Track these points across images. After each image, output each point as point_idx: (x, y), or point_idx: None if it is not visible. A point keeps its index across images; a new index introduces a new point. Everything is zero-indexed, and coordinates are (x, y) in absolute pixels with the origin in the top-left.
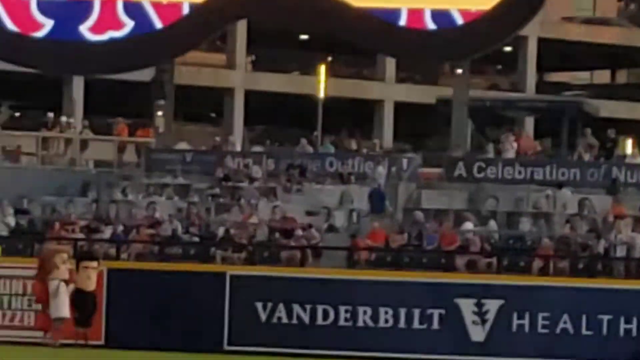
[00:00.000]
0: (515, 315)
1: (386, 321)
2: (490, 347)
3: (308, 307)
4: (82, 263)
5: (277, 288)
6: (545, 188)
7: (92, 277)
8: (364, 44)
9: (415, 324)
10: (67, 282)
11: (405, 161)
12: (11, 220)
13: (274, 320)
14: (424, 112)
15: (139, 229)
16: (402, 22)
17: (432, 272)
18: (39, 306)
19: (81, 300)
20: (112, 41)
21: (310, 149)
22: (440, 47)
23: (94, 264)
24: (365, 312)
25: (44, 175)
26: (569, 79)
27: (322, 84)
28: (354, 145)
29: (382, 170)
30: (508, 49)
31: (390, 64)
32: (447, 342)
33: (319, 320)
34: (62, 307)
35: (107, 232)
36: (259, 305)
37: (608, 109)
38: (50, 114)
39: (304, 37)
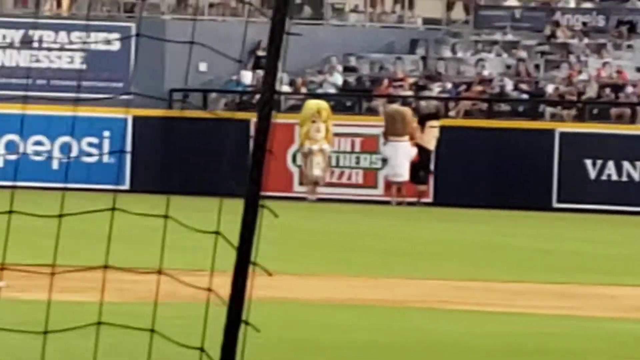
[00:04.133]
0: None
1: None
2: None
3: (638, 164)
4: (428, 122)
5: (607, 145)
6: None
7: (436, 137)
8: None
9: None
10: (410, 142)
11: None
12: (339, 78)
13: (604, 177)
14: None
15: (469, 86)
16: None
17: None
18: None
19: (423, 159)
20: None
21: None
22: None
23: (438, 123)
24: None
25: (372, 33)
26: None
27: None
28: None
29: None
30: None
31: None
32: None
33: None
34: (404, 169)
35: (436, 90)
36: (589, 162)
37: None
38: None
39: None
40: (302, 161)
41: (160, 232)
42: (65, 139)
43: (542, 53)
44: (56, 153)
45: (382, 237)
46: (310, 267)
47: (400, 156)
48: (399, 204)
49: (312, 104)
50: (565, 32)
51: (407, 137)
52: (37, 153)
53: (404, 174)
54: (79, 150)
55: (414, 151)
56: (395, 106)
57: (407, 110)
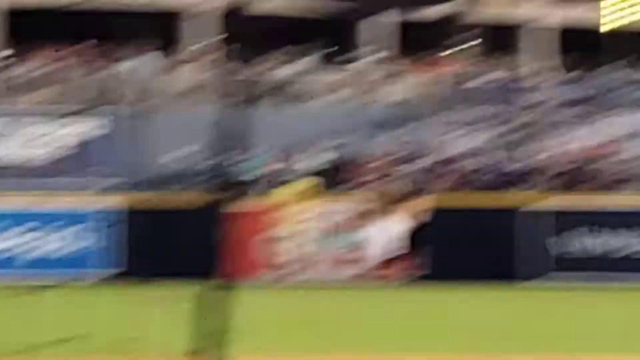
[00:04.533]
0: None
1: None
2: None
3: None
4: (407, 201)
5: (598, 216)
6: None
7: (416, 215)
8: None
9: None
10: (393, 220)
11: None
12: (324, 158)
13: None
14: None
15: (456, 160)
16: None
17: None
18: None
19: (403, 237)
20: None
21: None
22: None
23: (420, 200)
24: None
25: (356, 111)
26: None
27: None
28: None
29: None
30: None
31: None
32: None
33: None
34: (388, 248)
35: (423, 165)
36: (585, 230)
37: None
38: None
39: None
40: (283, 243)
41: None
42: (48, 228)
43: (530, 123)
44: (41, 243)
45: (357, 318)
46: (291, 351)
47: (385, 234)
48: (382, 282)
49: (302, 184)
50: (554, 102)
51: (391, 216)
52: (25, 244)
53: (389, 252)
54: (62, 240)
55: (396, 229)
56: (379, 185)
57: (390, 189)
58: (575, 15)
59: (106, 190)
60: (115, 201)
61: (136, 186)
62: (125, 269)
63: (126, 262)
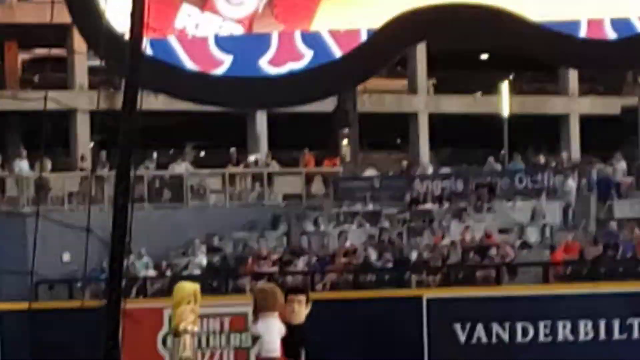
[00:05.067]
0: None
1: (586, 334)
2: None
3: (507, 325)
4: (292, 296)
5: (475, 308)
6: None
7: (302, 310)
8: (545, 58)
9: (616, 335)
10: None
11: (594, 172)
12: (203, 259)
13: (474, 340)
14: (610, 123)
15: (333, 258)
16: (582, 33)
17: (630, 281)
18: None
19: (292, 333)
20: (292, 73)
21: (498, 167)
22: (622, 56)
23: (301, 297)
24: (564, 327)
25: (233, 212)
26: None
27: (505, 102)
28: (542, 160)
29: (572, 183)
30: None
31: (572, 77)
32: None
33: (519, 338)
34: (276, 345)
35: (301, 264)
36: (457, 326)
37: None
38: (234, 150)
39: (484, 56)
40: (173, 344)
41: None
42: None
43: (404, 221)
44: None
45: None
46: None
47: (272, 332)
48: None
49: (188, 286)
50: (426, 198)
51: (277, 313)
52: None
53: (276, 350)
54: None
55: (279, 329)
56: (264, 283)
57: (275, 287)
58: (459, 106)
59: None
60: (1, 307)
61: (21, 290)
62: None
63: None
